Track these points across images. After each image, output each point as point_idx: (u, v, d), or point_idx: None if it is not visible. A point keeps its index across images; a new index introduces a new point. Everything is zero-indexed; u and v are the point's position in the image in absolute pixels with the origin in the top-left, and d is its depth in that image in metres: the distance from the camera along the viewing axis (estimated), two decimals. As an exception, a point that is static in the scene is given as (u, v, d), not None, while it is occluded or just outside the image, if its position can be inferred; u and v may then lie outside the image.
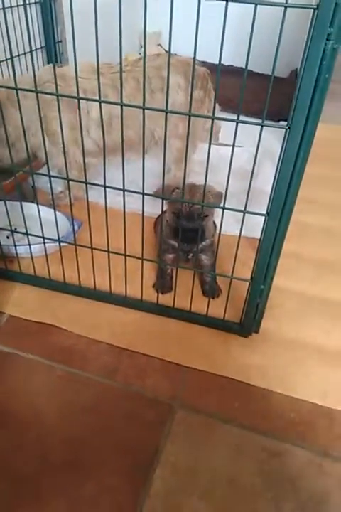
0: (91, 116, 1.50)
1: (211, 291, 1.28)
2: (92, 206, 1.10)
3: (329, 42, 0.71)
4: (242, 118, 0.82)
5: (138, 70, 1.54)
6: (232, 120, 0.84)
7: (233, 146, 0.88)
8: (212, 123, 0.88)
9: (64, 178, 1.11)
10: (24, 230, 1.19)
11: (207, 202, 1.05)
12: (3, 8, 0.93)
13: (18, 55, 1.72)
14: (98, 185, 1.03)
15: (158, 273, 1.34)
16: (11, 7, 1.68)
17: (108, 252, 1.14)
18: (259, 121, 0.82)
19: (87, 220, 1.12)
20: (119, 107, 0.90)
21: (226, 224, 1.04)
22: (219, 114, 1.66)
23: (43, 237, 1.20)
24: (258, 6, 0.71)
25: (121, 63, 0.86)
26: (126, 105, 0.90)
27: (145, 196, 1.01)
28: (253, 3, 0.71)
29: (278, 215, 0.93)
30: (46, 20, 2.01)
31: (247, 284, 1.09)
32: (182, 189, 1.01)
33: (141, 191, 1.00)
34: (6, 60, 1.71)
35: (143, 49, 0.85)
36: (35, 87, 0.94)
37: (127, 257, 1.14)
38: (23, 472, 0.88)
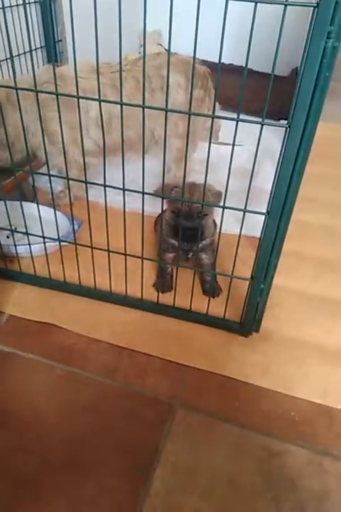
0: (90, 115, 1.50)
1: (211, 290, 1.28)
2: (92, 205, 1.10)
3: (329, 40, 0.70)
4: (242, 117, 0.82)
5: (137, 70, 1.54)
6: (232, 119, 0.84)
7: (233, 144, 0.88)
8: (212, 122, 0.88)
9: (64, 178, 1.11)
10: (24, 230, 1.19)
11: (206, 201, 1.05)
12: (3, 8, 0.93)
13: (18, 55, 1.72)
14: (98, 184, 1.03)
15: (158, 272, 1.34)
16: (11, 6, 1.68)
17: (108, 251, 1.14)
18: (259, 119, 0.82)
19: (87, 220, 1.12)
20: (119, 107, 0.90)
21: (227, 223, 1.04)
22: (219, 112, 1.66)
23: (43, 237, 1.20)
24: (259, 4, 0.71)
25: (120, 63, 0.86)
26: (125, 104, 0.90)
27: (145, 195, 1.00)
28: (253, 2, 0.71)
29: (278, 214, 0.93)
30: (46, 20, 2.01)
31: (247, 283, 1.09)
32: (182, 188, 1.01)
33: (141, 190, 1.00)
34: (6, 59, 1.71)
35: (143, 48, 0.85)
36: (35, 86, 0.94)
37: (127, 257, 1.13)
38: (23, 472, 0.88)
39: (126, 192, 1.01)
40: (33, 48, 1.97)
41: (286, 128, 0.81)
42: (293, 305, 1.30)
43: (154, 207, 1.19)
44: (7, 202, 1.18)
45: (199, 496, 0.85)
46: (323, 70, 0.74)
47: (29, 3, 1.90)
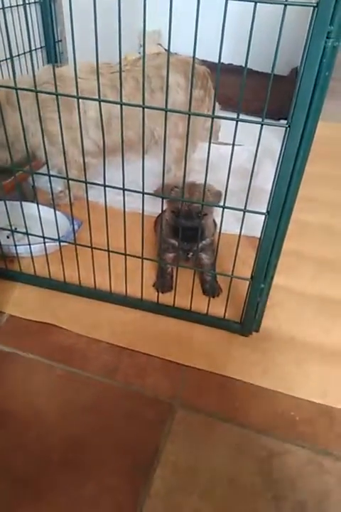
0: (88, 116, 1.50)
1: (211, 290, 1.28)
2: (92, 206, 1.10)
3: (329, 40, 0.70)
4: (242, 117, 0.82)
5: (137, 70, 1.54)
6: (232, 119, 0.84)
7: (233, 144, 0.88)
8: (212, 122, 0.88)
9: (64, 178, 1.11)
10: (24, 230, 1.19)
11: (206, 200, 1.05)
12: (3, 8, 0.93)
13: (18, 55, 1.72)
14: (98, 184, 1.03)
15: (158, 272, 1.34)
16: (11, 7, 1.68)
17: (108, 251, 1.14)
18: (259, 119, 0.82)
19: (87, 220, 1.12)
20: (119, 107, 0.90)
21: (227, 223, 1.04)
22: (219, 112, 1.66)
23: (43, 237, 1.20)
24: (258, 4, 0.71)
25: (120, 63, 0.86)
26: (125, 104, 0.90)
27: (145, 195, 1.00)
28: (253, 1, 0.71)
29: (278, 214, 0.93)
30: (46, 20, 2.01)
31: (247, 283, 1.09)
32: (182, 188, 1.01)
33: (141, 190, 1.00)
34: (6, 59, 1.71)
35: (142, 48, 0.85)
36: (35, 86, 0.94)
37: (127, 257, 1.13)
38: (23, 472, 0.88)
39: (126, 192, 1.01)
40: (33, 48, 1.97)
41: (286, 128, 0.81)
42: (293, 305, 1.30)
43: (154, 207, 1.19)
44: (7, 202, 1.18)
45: (200, 496, 0.85)
46: (323, 70, 0.74)
47: (29, 3, 1.90)
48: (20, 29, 1.64)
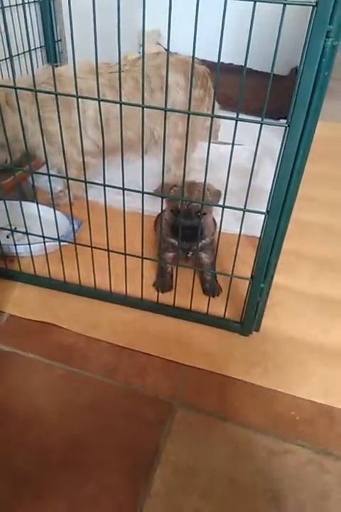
0: (87, 115, 1.50)
1: (211, 289, 1.28)
2: (92, 205, 1.10)
3: (328, 39, 0.70)
4: (242, 116, 0.82)
5: (137, 70, 1.53)
6: (232, 118, 0.84)
7: (233, 144, 0.88)
8: (212, 121, 0.88)
9: (63, 178, 1.11)
10: (24, 230, 1.19)
11: (205, 200, 1.05)
12: (2, 7, 0.92)
13: (18, 55, 1.72)
14: (98, 184, 1.03)
15: (158, 272, 1.34)
16: (10, 6, 1.67)
17: (108, 251, 1.14)
18: (259, 119, 0.82)
19: (86, 219, 1.12)
20: (118, 107, 0.89)
21: (226, 222, 1.04)
22: (218, 112, 1.66)
23: (43, 237, 1.20)
24: (258, 3, 0.71)
25: (119, 62, 0.86)
26: (125, 104, 0.90)
27: (145, 195, 1.00)
28: (252, 1, 0.71)
29: (278, 213, 0.93)
30: (45, 19, 2.01)
31: (247, 282, 1.09)
32: (182, 187, 1.01)
33: (141, 190, 1.00)
34: (6, 59, 1.71)
35: (142, 48, 0.85)
36: (34, 86, 0.94)
37: (127, 256, 1.13)
38: (23, 472, 0.88)
39: (125, 191, 1.01)
40: (33, 47, 1.97)
41: (286, 127, 0.81)
42: (293, 304, 1.30)
43: (154, 206, 1.19)
44: (7, 202, 1.18)
45: (200, 496, 0.85)
46: (322, 69, 0.74)
47: (28, 2, 1.90)
48: (20, 29, 1.63)
